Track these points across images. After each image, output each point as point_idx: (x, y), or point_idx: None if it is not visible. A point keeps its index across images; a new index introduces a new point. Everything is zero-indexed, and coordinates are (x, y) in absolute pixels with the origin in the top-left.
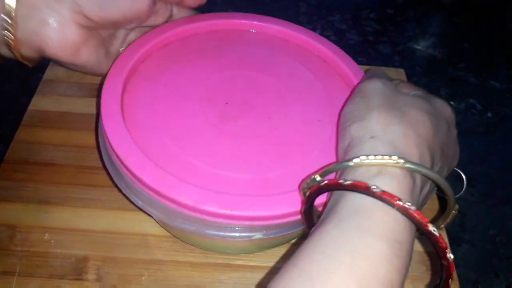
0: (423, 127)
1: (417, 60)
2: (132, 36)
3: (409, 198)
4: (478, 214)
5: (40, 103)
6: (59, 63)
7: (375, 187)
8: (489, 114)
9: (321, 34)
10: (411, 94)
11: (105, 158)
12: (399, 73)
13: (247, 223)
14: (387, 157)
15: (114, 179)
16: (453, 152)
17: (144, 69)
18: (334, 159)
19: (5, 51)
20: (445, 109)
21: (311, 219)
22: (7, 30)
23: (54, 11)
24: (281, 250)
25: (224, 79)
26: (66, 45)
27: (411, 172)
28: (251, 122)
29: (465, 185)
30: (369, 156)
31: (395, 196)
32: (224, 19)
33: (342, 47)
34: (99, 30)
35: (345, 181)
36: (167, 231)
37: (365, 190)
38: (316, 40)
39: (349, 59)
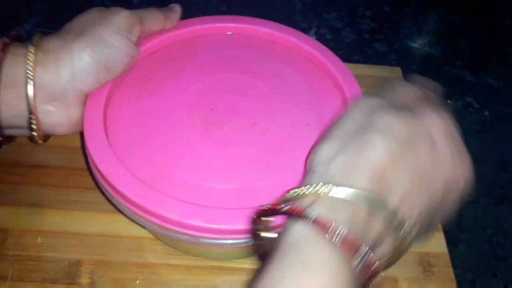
0: (375, 153)
1: (414, 58)
2: None
3: (346, 225)
4: (475, 214)
5: None
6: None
7: (309, 212)
8: (486, 113)
9: (316, 32)
10: (404, 109)
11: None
12: (396, 72)
13: (234, 236)
14: (314, 185)
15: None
16: (444, 173)
17: (128, 80)
18: None
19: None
20: (436, 128)
21: (256, 241)
22: (33, 123)
23: (55, 99)
24: None
25: (208, 85)
26: (72, 123)
27: (355, 200)
28: (237, 129)
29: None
30: (300, 188)
31: (327, 223)
32: (207, 24)
33: (337, 46)
34: None
35: (284, 207)
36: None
37: (300, 216)
38: (304, 41)
39: (338, 60)
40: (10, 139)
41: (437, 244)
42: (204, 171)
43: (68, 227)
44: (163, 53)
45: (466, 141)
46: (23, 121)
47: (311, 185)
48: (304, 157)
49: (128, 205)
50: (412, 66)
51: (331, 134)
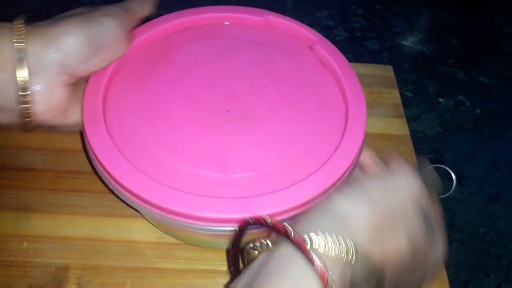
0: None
1: (405, 56)
2: None
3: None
4: (468, 213)
5: None
6: (51, 129)
7: (291, 232)
8: (478, 111)
9: None
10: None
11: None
12: (387, 70)
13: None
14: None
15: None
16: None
17: (125, 72)
18: (315, 157)
19: (11, 119)
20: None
21: (236, 256)
22: (25, 104)
23: (41, 78)
24: None
25: (205, 75)
26: (54, 108)
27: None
28: (233, 118)
29: (454, 185)
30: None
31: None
32: (200, 14)
33: None
34: (81, 82)
35: (270, 221)
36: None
37: (284, 232)
38: (300, 27)
39: (334, 48)
40: None
41: None
42: (205, 162)
43: (55, 231)
44: (159, 44)
45: (458, 139)
46: (11, 101)
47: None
48: (299, 148)
49: (134, 199)
50: (403, 64)
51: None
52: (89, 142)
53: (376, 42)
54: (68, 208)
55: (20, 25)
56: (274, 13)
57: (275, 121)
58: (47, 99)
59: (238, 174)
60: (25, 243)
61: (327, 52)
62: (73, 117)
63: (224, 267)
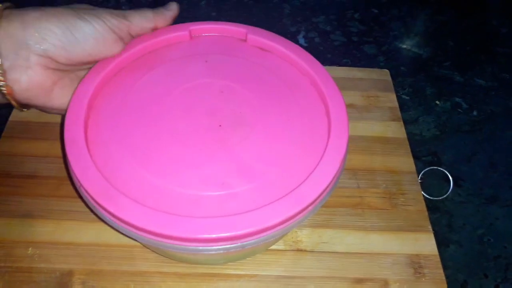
0: None
1: (402, 60)
2: None
3: None
4: (465, 214)
5: (20, 114)
6: (40, 109)
7: None
8: (475, 113)
9: (305, 36)
10: None
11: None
12: (384, 74)
13: (225, 243)
14: None
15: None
16: None
17: (108, 90)
18: (298, 176)
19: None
20: None
21: None
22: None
23: (20, 57)
24: (264, 258)
25: (191, 90)
26: (34, 88)
27: None
28: (218, 134)
29: (451, 186)
30: None
31: None
32: (180, 32)
33: (326, 49)
34: (74, 70)
35: None
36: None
37: None
38: (276, 42)
39: (315, 61)
40: None
41: (428, 245)
42: (190, 181)
43: (59, 237)
44: (147, 58)
45: (455, 141)
46: None
47: None
48: (284, 161)
49: (114, 220)
50: (400, 68)
51: None
52: (72, 169)
53: (373, 46)
54: (71, 214)
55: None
56: (247, 26)
57: (260, 135)
58: (26, 79)
59: (224, 191)
60: (30, 249)
61: (307, 64)
62: (58, 100)
63: (225, 271)
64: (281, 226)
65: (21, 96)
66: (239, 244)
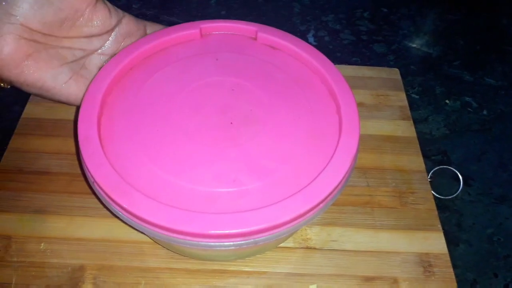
0: None
1: (412, 59)
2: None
3: None
4: (475, 213)
5: (33, 111)
6: (15, 84)
7: None
8: (485, 112)
9: (315, 34)
10: None
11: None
12: (394, 73)
13: (238, 239)
14: None
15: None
16: None
17: (121, 87)
18: (308, 168)
19: None
20: None
21: None
22: None
23: None
24: (274, 255)
25: (201, 88)
26: (4, 58)
27: None
28: (228, 132)
29: (461, 185)
30: None
31: None
32: (187, 30)
33: (336, 48)
34: (54, 45)
35: None
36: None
37: None
38: (287, 40)
39: (326, 59)
40: None
41: (437, 244)
42: (202, 177)
43: (71, 232)
44: (158, 57)
45: (465, 141)
46: None
47: None
48: (295, 159)
49: (127, 215)
50: (410, 67)
51: None
52: (86, 165)
53: (382, 45)
54: (83, 210)
55: None
56: (258, 24)
57: (270, 133)
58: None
59: (237, 188)
60: (42, 244)
61: (318, 63)
62: (31, 75)
63: (235, 267)
64: (293, 223)
65: None
66: (251, 240)
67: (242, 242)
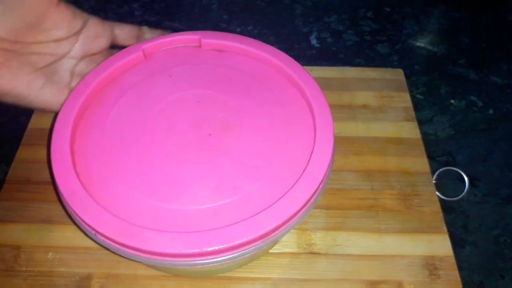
0: None
1: (416, 58)
2: (82, 66)
3: None
4: (481, 214)
5: (39, 121)
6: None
7: None
8: (491, 111)
9: (317, 36)
10: None
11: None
12: (398, 73)
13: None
14: None
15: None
16: None
17: (84, 127)
18: (282, 186)
19: None
20: None
21: None
22: None
23: None
24: (278, 261)
25: (164, 109)
26: None
27: None
28: (203, 146)
29: (467, 187)
30: None
31: None
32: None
33: (339, 49)
34: (23, 52)
35: None
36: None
37: None
38: (231, 40)
39: (300, 68)
40: None
41: (443, 246)
42: (176, 195)
43: (78, 242)
44: (110, 89)
45: (471, 141)
46: None
47: None
48: (272, 172)
49: (111, 243)
50: (414, 66)
51: None
52: (60, 190)
53: (386, 45)
54: None
55: None
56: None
57: (247, 146)
58: None
59: (217, 203)
60: (50, 253)
61: (293, 71)
62: (6, 84)
63: (240, 274)
64: (301, 212)
65: None
66: (277, 234)
67: (264, 242)
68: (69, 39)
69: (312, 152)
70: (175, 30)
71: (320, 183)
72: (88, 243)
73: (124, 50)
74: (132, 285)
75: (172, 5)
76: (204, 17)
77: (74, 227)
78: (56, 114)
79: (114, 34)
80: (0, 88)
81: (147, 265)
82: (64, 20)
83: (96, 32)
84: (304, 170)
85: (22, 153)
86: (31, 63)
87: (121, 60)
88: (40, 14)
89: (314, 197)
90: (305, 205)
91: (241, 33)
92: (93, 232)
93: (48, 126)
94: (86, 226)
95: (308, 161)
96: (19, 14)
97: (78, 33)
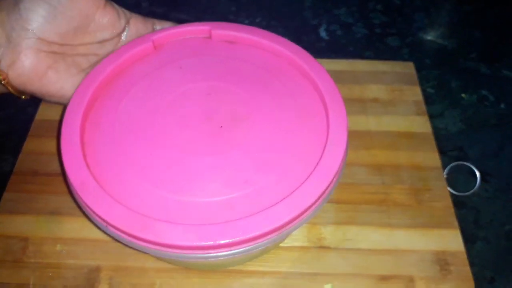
0: None
1: (427, 52)
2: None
3: None
4: (493, 210)
5: (47, 112)
6: (37, 96)
7: None
8: (502, 105)
9: (327, 28)
10: None
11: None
12: (408, 67)
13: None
14: None
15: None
16: None
17: (94, 119)
18: (295, 177)
19: None
20: None
21: None
22: None
23: (11, 43)
24: (289, 255)
25: (174, 101)
26: (27, 72)
27: None
28: (214, 138)
29: (478, 182)
30: None
31: None
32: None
33: (349, 42)
34: (70, 54)
35: None
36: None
37: None
38: (242, 31)
39: (313, 60)
40: None
41: (454, 242)
42: (189, 188)
43: (86, 234)
44: (120, 80)
45: (482, 136)
46: None
47: None
48: (284, 165)
49: (125, 236)
50: (425, 60)
51: None
52: (70, 181)
53: (396, 38)
54: None
55: None
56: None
57: (258, 139)
58: (18, 64)
59: (228, 195)
60: (58, 245)
61: (307, 64)
62: (53, 85)
63: (250, 267)
64: (316, 205)
65: (16, 81)
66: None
67: (280, 234)
68: (113, 39)
69: (325, 145)
70: (183, 21)
71: (334, 177)
72: (97, 235)
73: (133, 41)
74: (140, 277)
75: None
76: (212, 9)
77: (83, 219)
78: (65, 105)
79: (155, 30)
80: (48, 90)
81: (157, 258)
82: (109, 22)
83: (137, 30)
84: (317, 163)
85: (30, 144)
86: (76, 64)
87: (130, 51)
88: (87, 17)
89: (328, 190)
90: (319, 198)
91: (250, 25)
92: (105, 224)
93: (55, 117)
94: (98, 218)
95: (322, 154)
96: (68, 18)
97: (121, 32)
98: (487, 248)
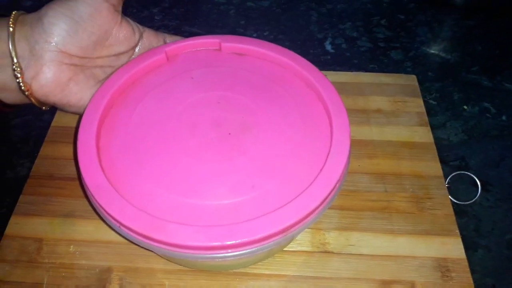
0: None
1: (430, 65)
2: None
3: None
4: (494, 219)
5: (62, 119)
6: (58, 106)
7: None
8: (504, 117)
9: (332, 42)
10: None
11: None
12: (411, 80)
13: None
14: None
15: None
16: None
17: (108, 127)
18: (298, 185)
19: (21, 98)
20: None
21: None
22: (20, 80)
23: (34, 56)
24: (293, 259)
25: (186, 110)
26: (50, 84)
27: None
28: (222, 144)
29: (479, 191)
30: None
31: None
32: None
33: (353, 55)
34: (89, 66)
35: None
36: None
37: None
38: (250, 44)
39: (318, 72)
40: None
41: (456, 249)
42: (199, 190)
43: (99, 236)
44: (134, 90)
45: (484, 146)
46: (11, 80)
47: None
48: (289, 171)
49: (134, 235)
50: (428, 73)
51: None
52: (86, 184)
53: (399, 52)
54: None
55: (14, 14)
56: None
57: (264, 146)
58: (41, 76)
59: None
60: (71, 246)
61: (312, 76)
62: (73, 96)
63: (255, 270)
64: (320, 208)
65: (39, 93)
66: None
67: (285, 235)
68: (128, 52)
69: (329, 152)
70: (195, 34)
71: (337, 182)
72: (109, 237)
73: (147, 52)
74: (150, 278)
75: (191, 11)
76: (222, 22)
77: (96, 221)
78: (81, 114)
79: (166, 43)
80: (68, 100)
81: (167, 259)
82: (125, 37)
83: (150, 43)
84: (321, 170)
85: (46, 150)
86: (94, 76)
87: (145, 62)
88: (106, 32)
89: (331, 194)
90: (322, 202)
91: (258, 38)
92: (118, 225)
93: (70, 124)
94: (111, 219)
95: (325, 161)
96: (89, 33)
97: (135, 45)
98: (488, 256)
